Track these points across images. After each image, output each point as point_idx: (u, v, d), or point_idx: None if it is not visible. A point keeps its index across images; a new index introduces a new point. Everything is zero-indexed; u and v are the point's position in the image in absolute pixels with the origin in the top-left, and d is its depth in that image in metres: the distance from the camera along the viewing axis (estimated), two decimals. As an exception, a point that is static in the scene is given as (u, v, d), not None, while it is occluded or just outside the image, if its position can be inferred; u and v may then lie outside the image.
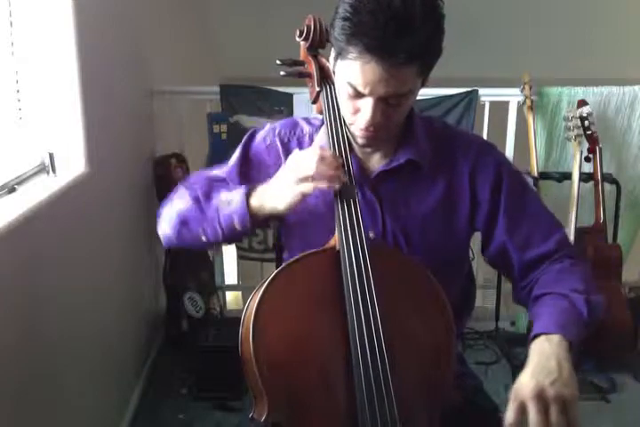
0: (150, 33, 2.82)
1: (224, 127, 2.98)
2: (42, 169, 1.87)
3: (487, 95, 2.97)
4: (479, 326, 3.02)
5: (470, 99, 2.90)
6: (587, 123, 2.75)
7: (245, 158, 1.32)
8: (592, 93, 2.95)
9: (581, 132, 2.76)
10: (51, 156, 1.89)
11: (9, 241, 1.44)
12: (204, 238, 1.21)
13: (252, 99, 2.95)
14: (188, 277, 2.93)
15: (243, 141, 1.34)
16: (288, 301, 1.10)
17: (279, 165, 1.23)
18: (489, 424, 1.29)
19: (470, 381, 1.40)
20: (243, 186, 1.20)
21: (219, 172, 1.33)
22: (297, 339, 1.08)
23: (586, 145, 2.79)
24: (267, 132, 1.33)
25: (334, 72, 1.18)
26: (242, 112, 2.96)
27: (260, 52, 2.99)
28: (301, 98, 2.84)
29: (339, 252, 1.12)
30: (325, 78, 1.30)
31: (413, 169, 1.25)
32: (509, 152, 2.95)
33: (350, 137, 1.23)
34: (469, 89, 2.91)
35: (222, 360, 2.43)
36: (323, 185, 1.10)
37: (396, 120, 1.18)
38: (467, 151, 1.28)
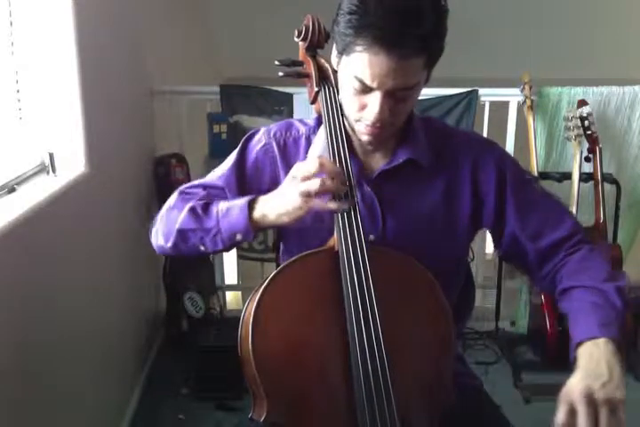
0: (150, 33, 2.82)
1: (224, 127, 2.98)
2: (42, 169, 1.87)
3: (487, 95, 2.97)
4: (479, 326, 3.02)
5: (470, 99, 2.90)
6: (587, 123, 2.74)
7: (242, 162, 1.30)
8: (592, 93, 2.94)
9: (581, 132, 2.76)
10: (51, 156, 1.89)
11: (9, 241, 1.44)
12: (202, 249, 1.20)
13: (252, 99, 2.95)
14: (188, 277, 2.93)
15: (239, 145, 1.33)
16: (287, 301, 1.10)
17: (276, 167, 1.22)
18: (489, 424, 1.29)
19: (470, 381, 1.40)
20: (244, 198, 1.17)
21: (215, 178, 1.30)
22: (296, 339, 1.08)
23: (586, 145, 2.78)
24: (262, 134, 1.32)
25: (338, 70, 1.17)
26: (242, 112, 2.96)
27: (260, 52, 2.98)
28: (301, 98, 2.84)
29: (337, 252, 1.11)
30: (324, 78, 1.29)
31: (414, 169, 1.24)
32: (509, 152, 2.94)
33: (350, 136, 1.23)
34: (469, 89, 2.91)
35: (222, 360, 2.43)
36: (331, 206, 1.10)
37: (402, 116, 1.18)
38: (467, 149, 1.28)
